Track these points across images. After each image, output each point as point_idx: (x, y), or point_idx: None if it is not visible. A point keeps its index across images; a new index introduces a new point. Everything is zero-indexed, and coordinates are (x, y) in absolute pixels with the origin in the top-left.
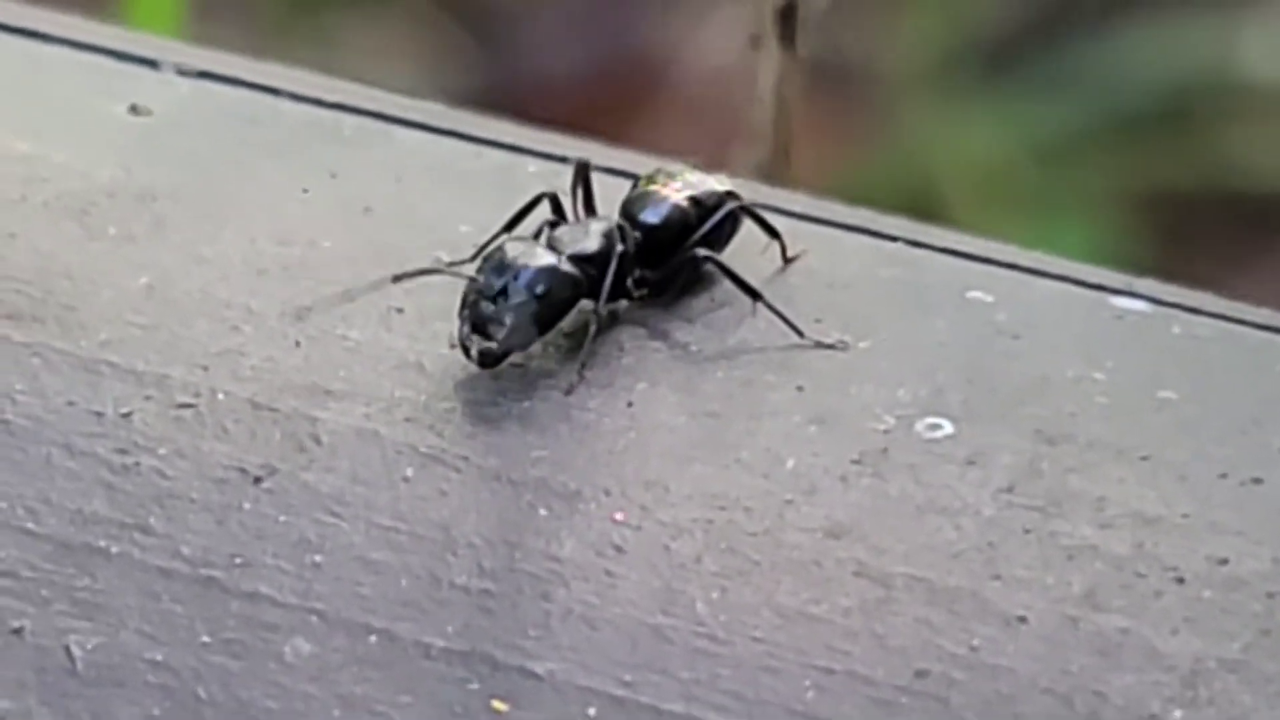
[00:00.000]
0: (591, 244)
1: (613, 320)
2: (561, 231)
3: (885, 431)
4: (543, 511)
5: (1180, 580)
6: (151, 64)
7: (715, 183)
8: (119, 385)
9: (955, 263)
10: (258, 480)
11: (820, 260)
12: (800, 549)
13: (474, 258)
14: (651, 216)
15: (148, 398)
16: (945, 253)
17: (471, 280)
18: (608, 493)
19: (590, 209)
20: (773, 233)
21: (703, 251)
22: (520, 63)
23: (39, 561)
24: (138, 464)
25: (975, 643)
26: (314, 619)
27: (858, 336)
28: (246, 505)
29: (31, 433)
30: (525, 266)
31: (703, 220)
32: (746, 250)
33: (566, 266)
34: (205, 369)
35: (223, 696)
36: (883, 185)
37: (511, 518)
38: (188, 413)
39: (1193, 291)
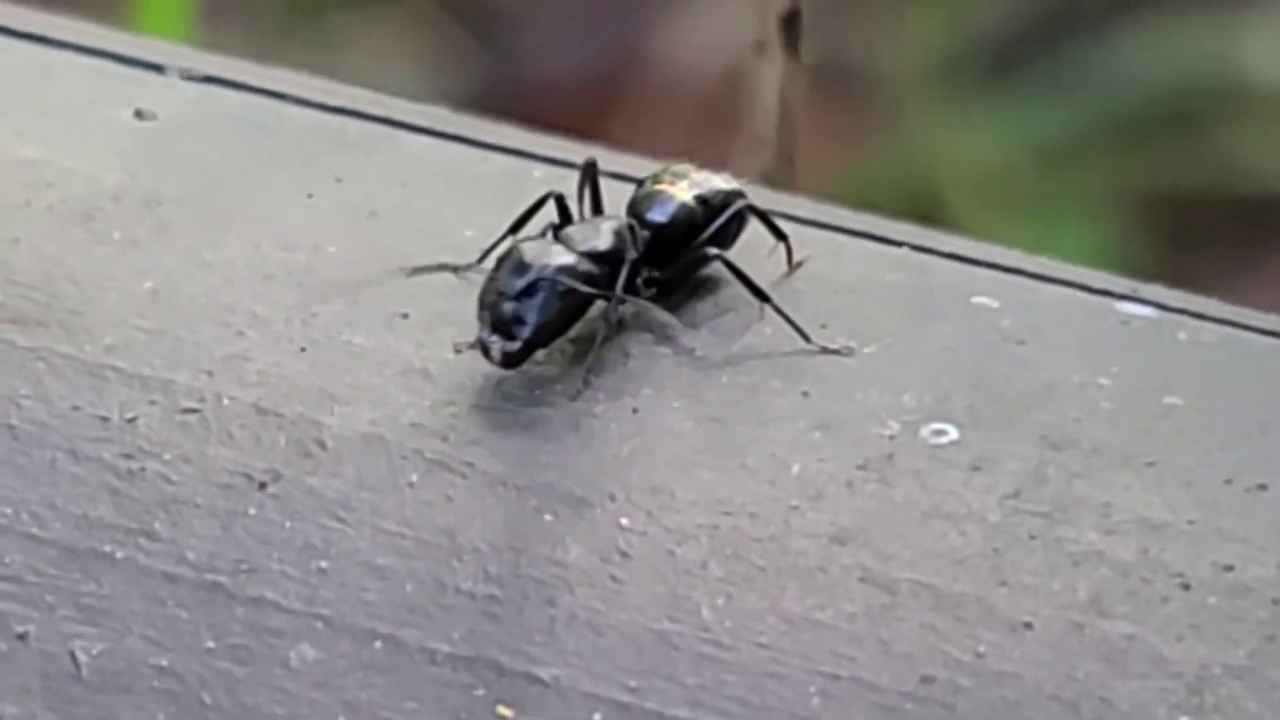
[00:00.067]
0: (604, 242)
1: (620, 326)
2: (573, 230)
3: (890, 437)
4: (548, 517)
5: (1186, 586)
6: (157, 69)
7: (721, 181)
8: (124, 390)
9: (960, 268)
10: (263, 485)
11: (825, 265)
12: (806, 555)
13: (480, 261)
14: (659, 215)
15: (153, 403)
16: (950, 258)
17: (490, 280)
18: (613, 498)
19: (598, 208)
20: (779, 234)
21: (713, 250)
22: (522, 65)
23: (44, 567)
24: (143, 469)
25: (981, 649)
26: (319, 624)
27: (863, 342)
28: (252, 511)
29: (36, 438)
30: (546, 265)
31: (710, 219)
32: (751, 255)
33: (586, 264)
34: (210, 374)
35: (228, 702)
36: (885, 188)
37: (517, 523)
38: (193, 418)
39: (1198, 297)
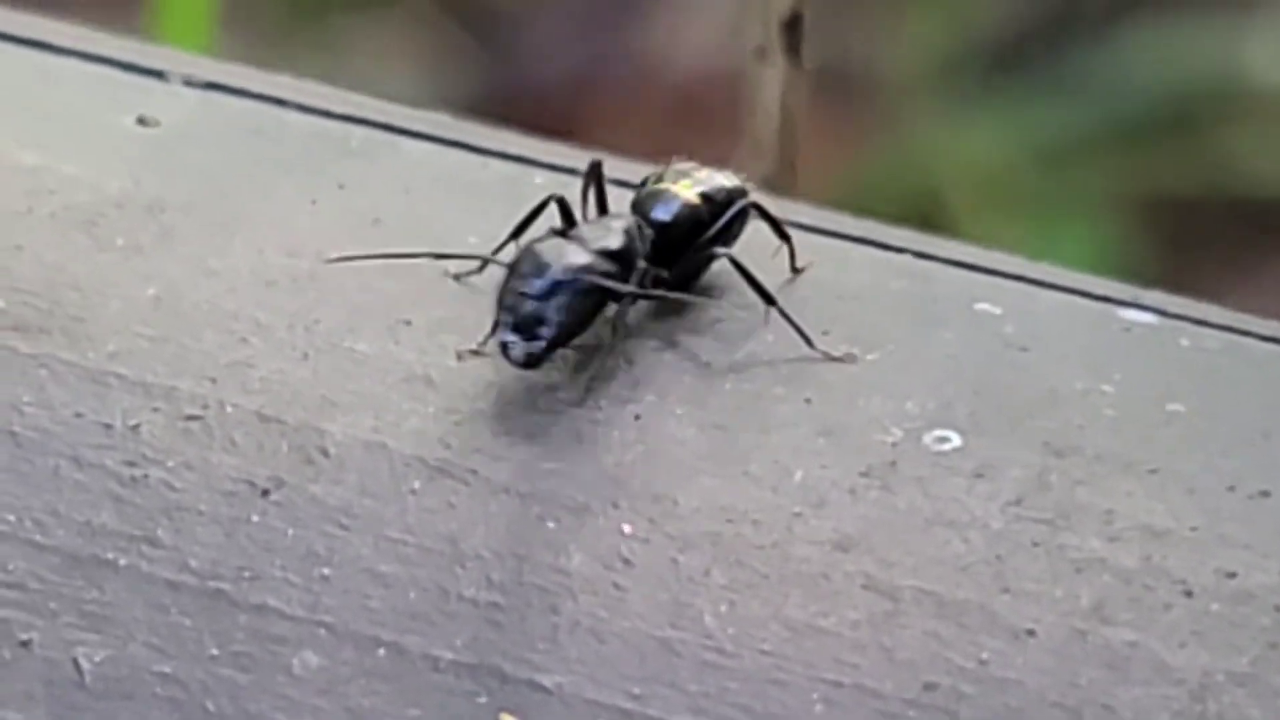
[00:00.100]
0: (616, 241)
1: (625, 332)
2: (585, 230)
3: (893, 444)
4: (551, 524)
5: (1189, 593)
6: (159, 75)
7: (724, 179)
8: (127, 397)
9: (963, 275)
10: (266, 493)
11: (828, 272)
12: (808, 562)
13: (483, 267)
14: (663, 214)
15: (156, 410)
16: (953, 265)
17: (508, 281)
18: (616, 505)
19: (603, 208)
20: (783, 235)
21: (721, 250)
22: (523, 68)
23: (47, 574)
24: (146, 476)
25: (984, 656)
26: (322, 632)
27: (866, 349)
28: (255, 518)
29: (39, 445)
30: (568, 264)
31: (714, 217)
32: (753, 257)
33: (603, 263)
34: (213, 381)
35: (231, 709)
36: (886, 190)
37: (520, 530)
38: (196, 425)
39: (1200, 304)
